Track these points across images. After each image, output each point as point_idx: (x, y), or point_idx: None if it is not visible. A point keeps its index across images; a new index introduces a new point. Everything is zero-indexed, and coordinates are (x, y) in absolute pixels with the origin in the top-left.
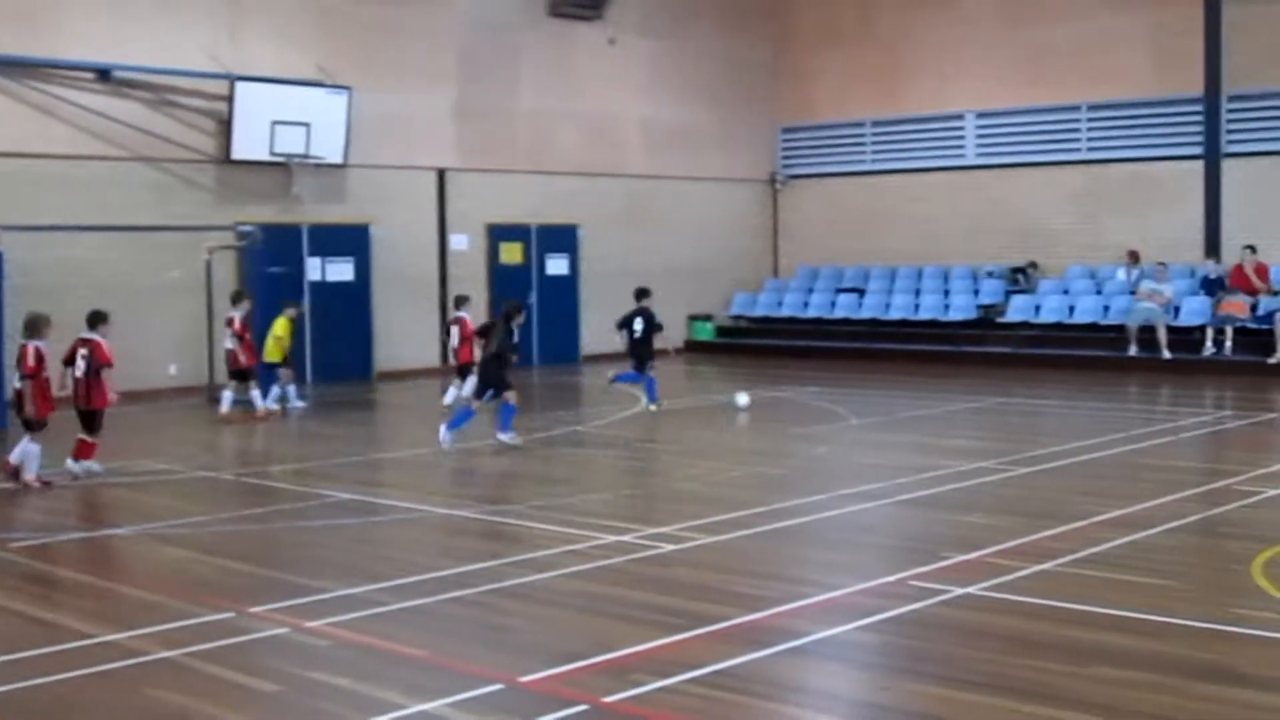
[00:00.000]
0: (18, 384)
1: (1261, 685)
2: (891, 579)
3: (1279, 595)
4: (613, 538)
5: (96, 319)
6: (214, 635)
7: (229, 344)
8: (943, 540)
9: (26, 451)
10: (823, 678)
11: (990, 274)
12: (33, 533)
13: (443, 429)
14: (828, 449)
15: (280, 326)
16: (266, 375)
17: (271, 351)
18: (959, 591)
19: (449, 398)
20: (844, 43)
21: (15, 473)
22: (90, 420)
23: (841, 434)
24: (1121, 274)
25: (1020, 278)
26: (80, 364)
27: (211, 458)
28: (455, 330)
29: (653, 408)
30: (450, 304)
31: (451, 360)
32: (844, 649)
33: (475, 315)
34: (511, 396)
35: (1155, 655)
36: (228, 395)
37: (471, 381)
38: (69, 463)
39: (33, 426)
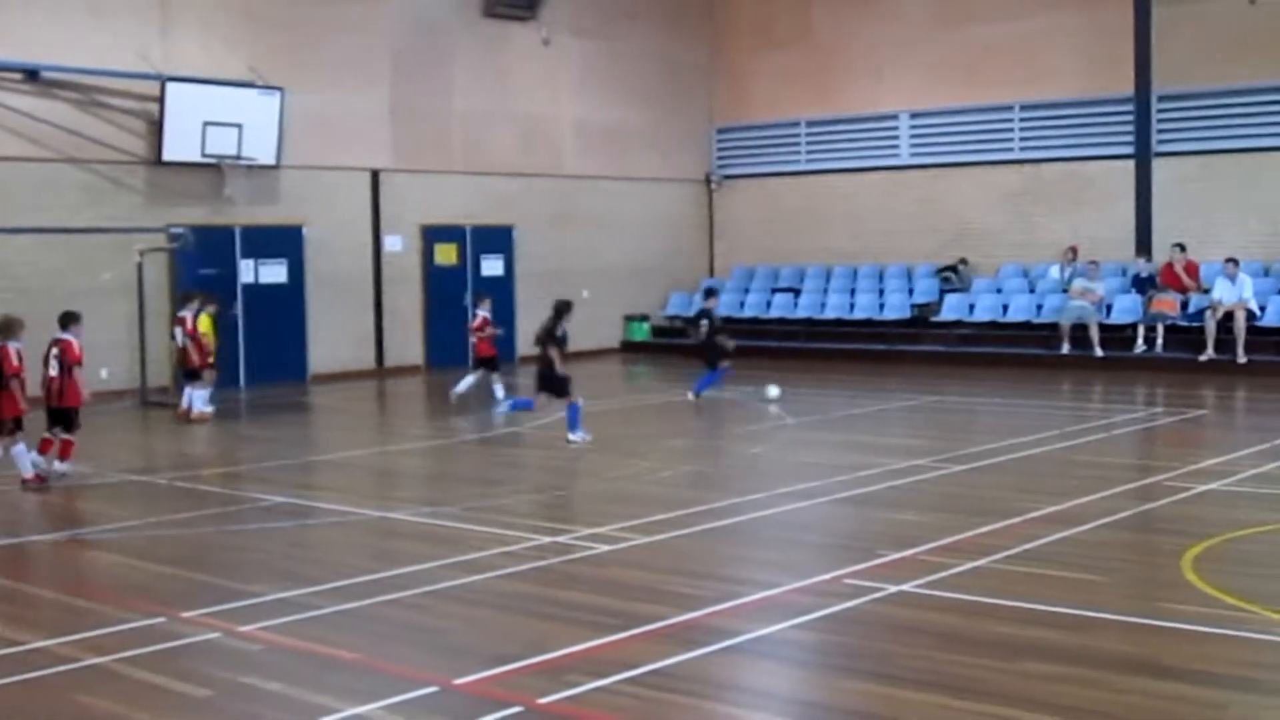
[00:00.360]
0: (55, 372)
1: (1189, 678)
2: (827, 577)
3: (1208, 590)
4: (548, 539)
5: (69, 319)
6: (145, 641)
7: (181, 343)
8: (878, 538)
9: (18, 453)
10: (758, 676)
11: (941, 274)
12: None
13: (503, 404)
14: (763, 448)
15: (204, 324)
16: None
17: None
18: (893, 589)
19: (462, 386)
20: (779, 43)
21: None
22: (65, 418)
23: (777, 433)
24: (1055, 271)
25: (951, 276)
26: (53, 363)
27: (143, 461)
28: (481, 322)
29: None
30: (470, 302)
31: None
32: (779, 647)
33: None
34: (575, 398)
35: (1086, 650)
36: (188, 393)
37: (470, 379)
38: (56, 463)
39: (12, 428)
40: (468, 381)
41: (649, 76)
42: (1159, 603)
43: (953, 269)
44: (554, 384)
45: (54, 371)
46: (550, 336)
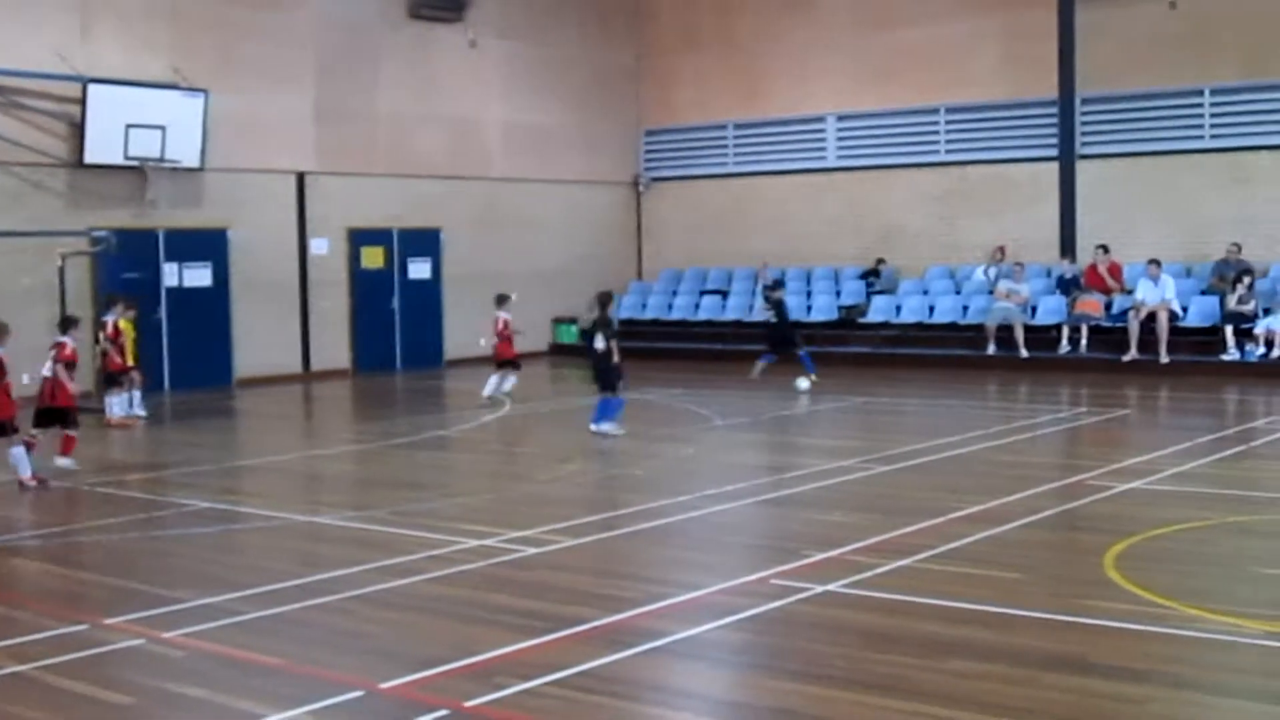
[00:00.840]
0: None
1: (1111, 674)
2: (753, 578)
3: (1129, 587)
4: (475, 541)
5: (68, 323)
6: (67, 648)
7: (104, 348)
8: (804, 538)
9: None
10: (685, 677)
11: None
12: None
13: (596, 425)
14: (692, 450)
15: (125, 329)
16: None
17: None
18: (819, 589)
19: (489, 389)
20: (705, 46)
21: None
22: (63, 417)
23: (706, 435)
24: (981, 273)
25: (873, 279)
26: (48, 365)
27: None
28: (502, 325)
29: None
30: (494, 301)
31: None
32: (706, 648)
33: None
34: (619, 391)
35: (1009, 647)
36: (109, 400)
37: (511, 379)
38: (58, 460)
39: (4, 430)
40: (493, 382)
41: (576, 79)
42: (1082, 600)
43: (874, 271)
44: (607, 375)
45: (47, 372)
46: (610, 328)
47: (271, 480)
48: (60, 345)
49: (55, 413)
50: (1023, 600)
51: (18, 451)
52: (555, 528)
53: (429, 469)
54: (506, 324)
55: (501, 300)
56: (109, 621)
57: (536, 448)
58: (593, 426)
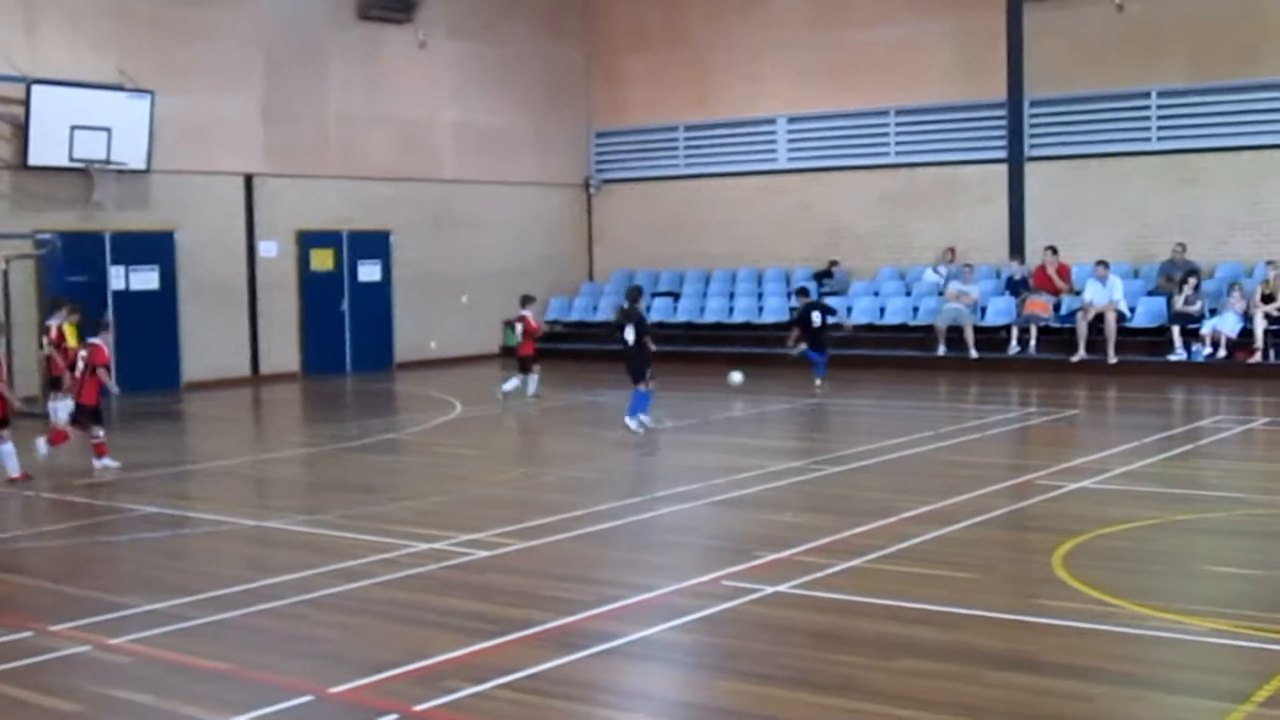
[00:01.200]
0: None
1: (1058, 672)
2: (704, 579)
3: (1077, 585)
4: (425, 545)
5: (100, 325)
6: (12, 655)
7: (47, 352)
8: (755, 539)
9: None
10: (636, 678)
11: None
12: None
13: (629, 420)
14: (642, 452)
15: (68, 333)
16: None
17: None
18: (770, 590)
19: (509, 385)
20: (655, 46)
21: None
22: (92, 415)
23: (656, 437)
24: (931, 274)
25: (825, 279)
26: (80, 365)
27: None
28: (519, 327)
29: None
30: (521, 304)
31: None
32: (657, 649)
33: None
34: (649, 385)
35: (959, 646)
36: (52, 405)
37: (529, 378)
38: (97, 462)
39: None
40: (527, 381)
41: (527, 79)
42: (1030, 599)
43: (826, 273)
44: (639, 368)
45: (78, 372)
46: (642, 322)
47: (220, 484)
48: (96, 347)
49: (83, 410)
50: (972, 599)
51: (7, 449)
52: (506, 530)
53: (379, 472)
54: (530, 324)
55: (526, 300)
56: (54, 628)
57: (486, 451)
58: (627, 420)
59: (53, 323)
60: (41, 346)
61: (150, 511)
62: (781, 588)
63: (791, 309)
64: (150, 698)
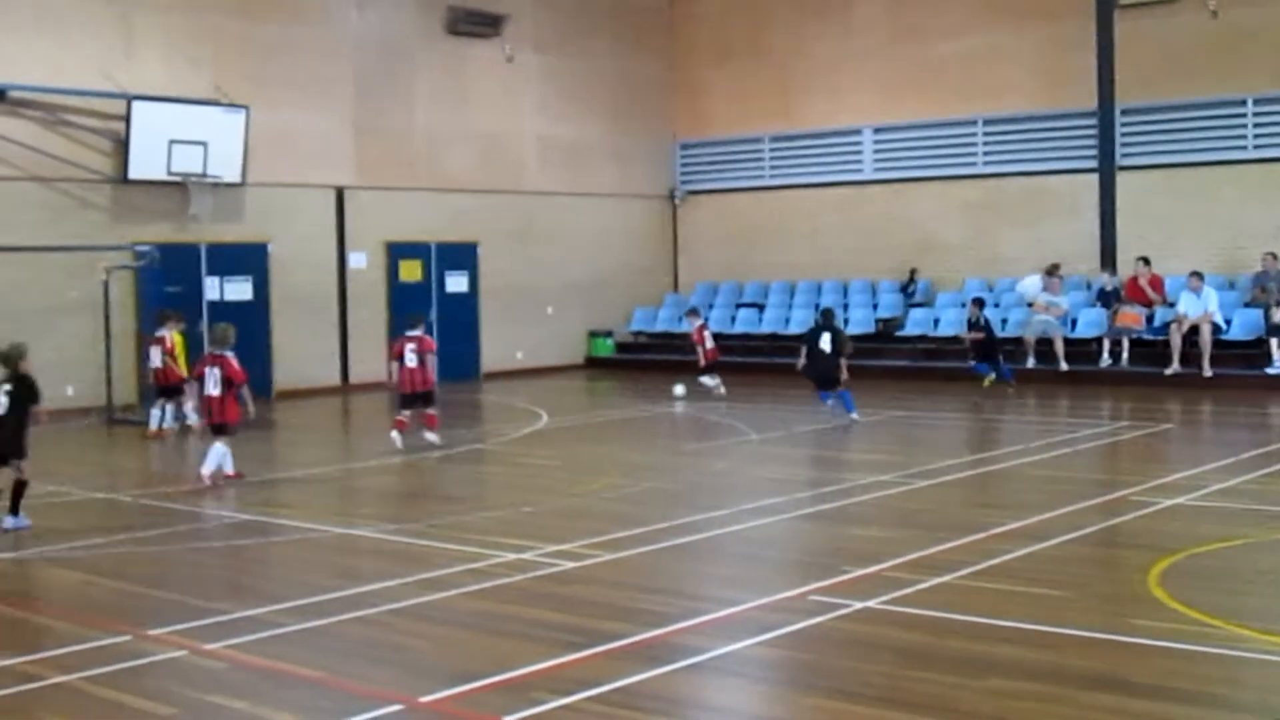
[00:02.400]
0: (215, 391)
1: (1154, 694)
2: (791, 594)
3: (1174, 605)
4: (512, 555)
5: (227, 337)
6: (110, 659)
7: (157, 362)
8: (842, 554)
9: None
10: (721, 693)
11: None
12: None
13: (854, 415)
14: (727, 464)
15: (176, 344)
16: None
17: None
18: (858, 605)
19: (712, 383)
20: (737, 58)
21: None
22: (426, 399)
23: (741, 449)
24: (1034, 284)
25: (911, 288)
26: (210, 381)
27: (108, 479)
28: (705, 334)
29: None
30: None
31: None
32: (743, 664)
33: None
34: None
35: (1049, 666)
36: (155, 413)
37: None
38: (427, 434)
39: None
40: (711, 381)
41: (610, 92)
42: (1125, 618)
43: (909, 282)
44: (830, 374)
45: (215, 390)
46: (840, 333)
47: (309, 492)
48: (226, 361)
49: (419, 396)
50: (1064, 618)
51: (220, 448)
52: (592, 541)
53: (465, 482)
54: (702, 328)
55: (693, 313)
56: (151, 633)
57: (572, 461)
58: (853, 415)
59: (164, 333)
60: (147, 357)
61: (242, 519)
62: (869, 603)
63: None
64: (244, 704)
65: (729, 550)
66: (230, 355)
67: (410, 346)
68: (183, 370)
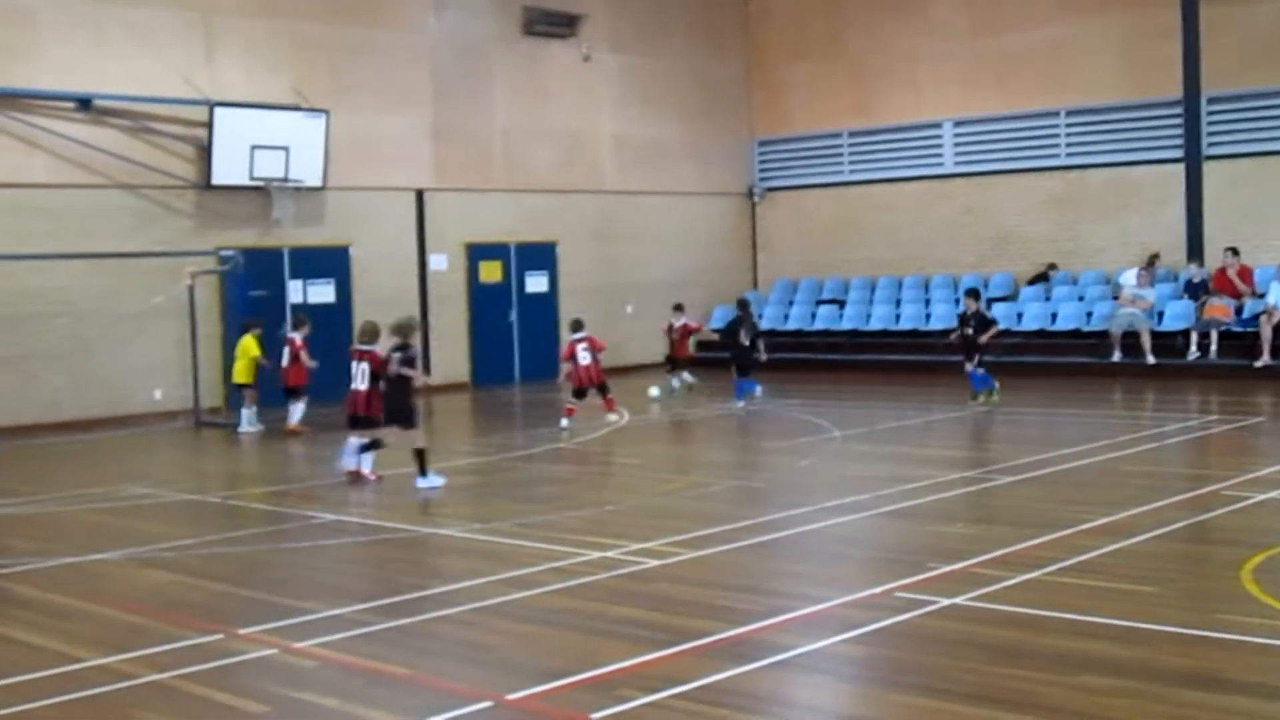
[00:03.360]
0: (363, 385)
1: (1249, 691)
2: (876, 590)
3: (1267, 600)
4: (596, 554)
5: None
6: (202, 657)
7: (285, 362)
8: (927, 551)
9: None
10: (808, 691)
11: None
12: (20, 558)
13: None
14: (809, 461)
15: (253, 347)
16: (237, 395)
17: (244, 372)
18: (945, 602)
19: (676, 381)
20: (815, 55)
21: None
22: (602, 389)
23: (823, 446)
24: (1132, 278)
25: (1041, 282)
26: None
27: (197, 481)
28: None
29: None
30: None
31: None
32: (829, 662)
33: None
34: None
35: (1142, 663)
36: (296, 408)
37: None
38: (609, 416)
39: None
40: (682, 379)
41: (687, 91)
42: (1217, 614)
43: (1043, 275)
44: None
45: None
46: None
47: (395, 493)
48: (374, 355)
49: (597, 388)
50: (1156, 614)
51: (354, 443)
52: (675, 539)
53: (548, 481)
54: (686, 326)
55: (677, 309)
56: (242, 631)
57: (654, 460)
58: (739, 403)
59: (295, 335)
60: (267, 357)
61: (328, 519)
62: (956, 600)
63: (960, 314)
64: (335, 701)
65: (812, 547)
66: (378, 350)
67: (581, 346)
68: (308, 366)
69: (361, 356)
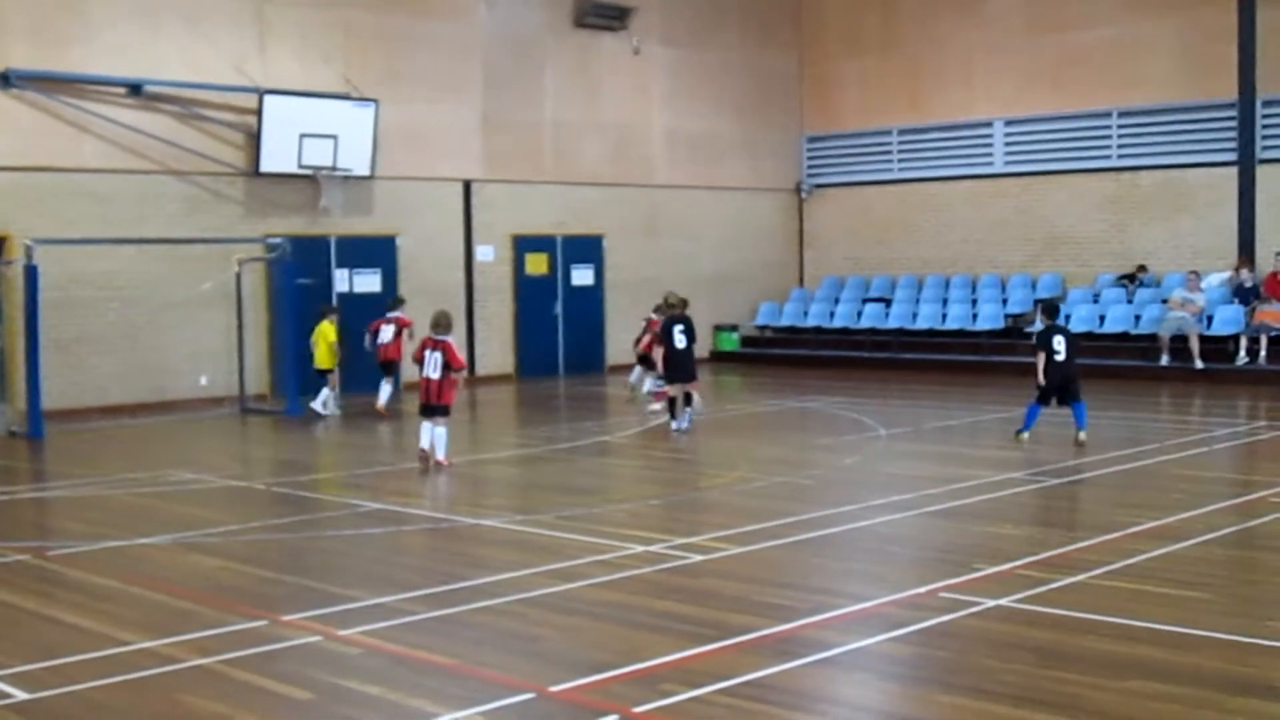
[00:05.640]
0: (435, 374)
1: None
2: (922, 590)
3: None
4: (641, 547)
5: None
6: (247, 643)
7: (388, 338)
8: (973, 551)
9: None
10: (852, 689)
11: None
12: (70, 541)
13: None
14: (855, 459)
15: (330, 332)
16: (320, 381)
17: (326, 358)
18: (990, 603)
19: (632, 377)
20: (868, 51)
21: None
22: (441, 413)
23: (869, 444)
24: (1217, 281)
25: (1128, 284)
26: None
27: (242, 467)
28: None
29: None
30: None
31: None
32: (874, 660)
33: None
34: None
35: (1189, 668)
36: (385, 389)
37: (639, 371)
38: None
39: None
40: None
41: (738, 86)
42: (1266, 621)
43: (1131, 277)
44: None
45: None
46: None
47: (439, 483)
48: (447, 346)
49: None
50: (1204, 620)
51: (440, 432)
52: (721, 535)
53: (593, 474)
54: (654, 324)
55: (660, 308)
56: (287, 618)
57: (700, 455)
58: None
59: (399, 314)
60: (376, 333)
61: (373, 507)
62: (1002, 601)
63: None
64: (378, 689)
65: (858, 545)
66: (451, 340)
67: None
68: (398, 352)
69: (435, 345)
